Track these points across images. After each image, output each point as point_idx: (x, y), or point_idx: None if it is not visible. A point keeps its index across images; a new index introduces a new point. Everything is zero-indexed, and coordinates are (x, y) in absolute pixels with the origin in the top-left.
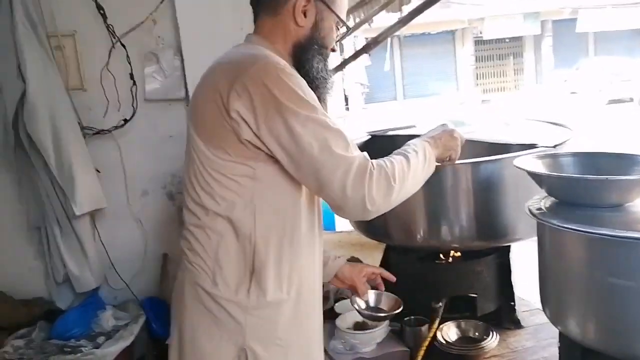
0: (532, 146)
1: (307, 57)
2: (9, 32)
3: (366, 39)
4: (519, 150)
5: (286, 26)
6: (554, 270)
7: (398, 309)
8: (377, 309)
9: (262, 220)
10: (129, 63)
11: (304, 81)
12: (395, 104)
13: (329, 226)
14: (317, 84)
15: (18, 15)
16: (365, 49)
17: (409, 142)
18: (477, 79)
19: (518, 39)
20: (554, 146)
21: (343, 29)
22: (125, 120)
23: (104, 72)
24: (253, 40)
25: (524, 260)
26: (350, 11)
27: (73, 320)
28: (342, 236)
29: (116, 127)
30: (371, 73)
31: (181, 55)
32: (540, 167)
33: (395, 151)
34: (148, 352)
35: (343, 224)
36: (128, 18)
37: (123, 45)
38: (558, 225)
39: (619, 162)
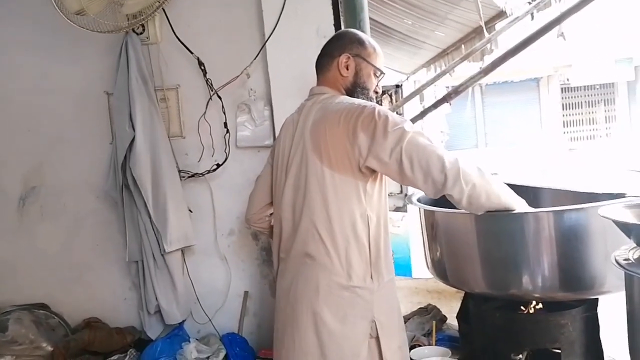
0: (620, 195)
1: (354, 97)
2: (125, 87)
3: (447, 87)
4: (606, 199)
5: (337, 78)
6: None
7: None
8: None
9: (373, 225)
10: (224, 113)
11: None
12: (476, 151)
13: (406, 272)
14: None
15: (132, 72)
16: (446, 99)
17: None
18: (564, 126)
19: (609, 85)
20: None
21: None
22: (218, 165)
23: (201, 121)
24: (330, 92)
25: (617, 316)
26: (431, 61)
27: (160, 350)
28: (419, 283)
29: (209, 171)
30: (452, 121)
31: (271, 106)
32: (628, 217)
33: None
34: None
35: (420, 272)
36: (225, 72)
37: (219, 97)
38: None
39: None
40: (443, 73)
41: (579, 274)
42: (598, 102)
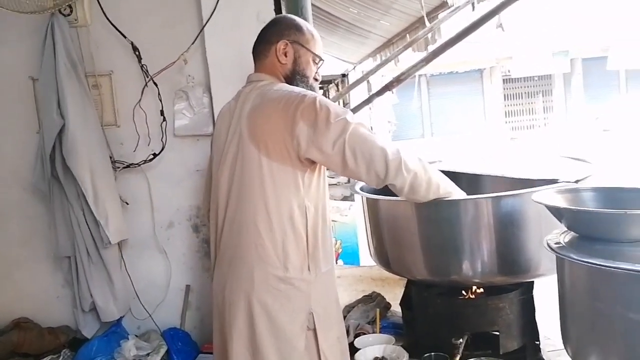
0: (553, 181)
1: (293, 84)
2: (52, 72)
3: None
4: (540, 185)
5: (275, 65)
6: (573, 306)
7: None
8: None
9: (310, 216)
10: (160, 100)
11: None
12: (422, 141)
13: (354, 260)
14: None
15: (60, 56)
16: (388, 87)
17: None
18: (506, 116)
19: (547, 77)
20: (576, 181)
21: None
22: (155, 155)
23: (136, 109)
24: (268, 78)
25: (551, 298)
26: (377, 51)
27: (97, 349)
28: (363, 271)
29: (145, 161)
30: (399, 111)
31: (210, 93)
32: (560, 202)
33: None
34: None
35: (368, 259)
36: (161, 58)
37: (155, 84)
38: (576, 259)
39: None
40: (386, 61)
41: (516, 258)
42: (537, 93)
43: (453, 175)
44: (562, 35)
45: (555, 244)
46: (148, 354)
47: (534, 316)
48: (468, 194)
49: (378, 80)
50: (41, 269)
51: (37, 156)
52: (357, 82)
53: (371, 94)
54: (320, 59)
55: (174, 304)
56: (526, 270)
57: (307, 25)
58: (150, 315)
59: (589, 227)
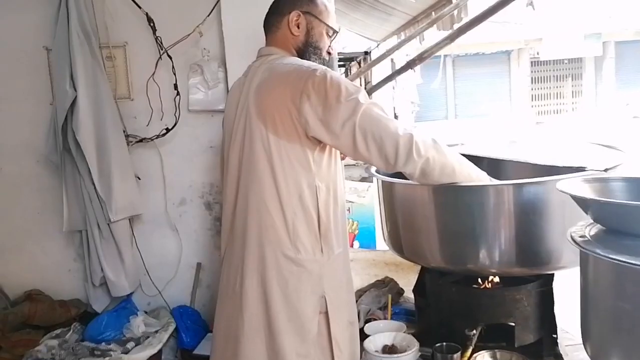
0: (580, 169)
1: (306, 58)
2: (65, 42)
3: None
4: (566, 173)
5: (287, 37)
6: (596, 304)
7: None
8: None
9: (322, 196)
10: (174, 74)
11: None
12: (446, 123)
13: (371, 242)
14: None
15: (73, 26)
16: (411, 65)
17: None
18: (533, 100)
19: (578, 60)
20: (605, 170)
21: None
22: (168, 130)
23: (150, 83)
24: (278, 52)
25: (572, 291)
26: (402, 28)
27: (106, 324)
28: (377, 255)
29: (158, 136)
30: (423, 92)
31: (225, 67)
32: (587, 192)
33: None
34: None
35: (382, 243)
36: (176, 30)
37: (169, 57)
38: (602, 256)
39: None
40: (410, 38)
41: (536, 249)
42: (566, 77)
43: (474, 159)
44: (595, 17)
45: (580, 237)
46: (156, 331)
47: (553, 309)
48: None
49: (402, 59)
50: (53, 242)
51: (49, 128)
52: (380, 59)
53: (393, 71)
54: (335, 32)
55: (185, 281)
56: (547, 262)
57: None
58: (160, 292)
59: (618, 221)
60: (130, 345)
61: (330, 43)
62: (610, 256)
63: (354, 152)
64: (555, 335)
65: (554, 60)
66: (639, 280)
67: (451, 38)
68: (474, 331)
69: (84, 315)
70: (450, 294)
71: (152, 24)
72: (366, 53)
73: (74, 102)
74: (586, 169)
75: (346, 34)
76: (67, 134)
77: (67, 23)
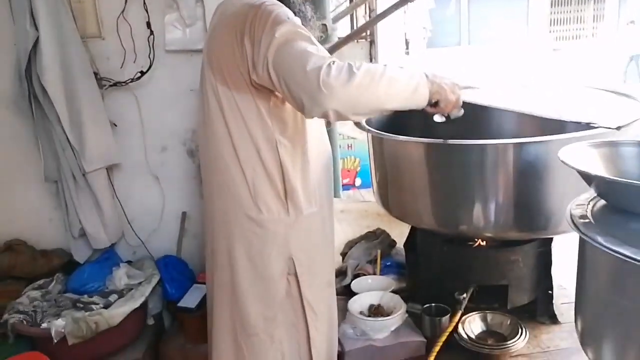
0: (589, 126)
1: None
2: None
3: None
4: (573, 130)
5: None
6: (591, 292)
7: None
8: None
9: (285, 152)
10: (146, 10)
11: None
12: (458, 49)
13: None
14: (296, 16)
15: None
16: None
17: None
18: (551, 24)
19: None
20: (617, 128)
21: None
22: (142, 73)
23: (120, 20)
24: None
25: (573, 246)
26: None
27: (88, 275)
28: (369, 205)
29: (132, 80)
30: (435, 17)
31: (203, 3)
32: (594, 159)
33: None
34: (164, 310)
35: (369, 196)
36: None
37: None
38: (602, 246)
39: None
40: None
41: (534, 213)
42: (588, 0)
43: (479, 108)
44: None
45: (580, 217)
46: (140, 283)
47: (550, 270)
48: (490, 132)
49: None
50: (32, 191)
51: (15, 72)
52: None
53: None
54: None
55: (170, 231)
56: (544, 227)
57: None
58: (142, 243)
59: (624, 200)
60: (112, 297)
61: None
62: (612, 248)
63: (279, 94)
64: (550, 292)
65: None
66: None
67: None
68: (465, 295)
69: (68, 265)
70: (442, 253)
71: None
72: None
73: (36, 43)
74: (596, 126)
75: None
76: (32, 78)
77: None
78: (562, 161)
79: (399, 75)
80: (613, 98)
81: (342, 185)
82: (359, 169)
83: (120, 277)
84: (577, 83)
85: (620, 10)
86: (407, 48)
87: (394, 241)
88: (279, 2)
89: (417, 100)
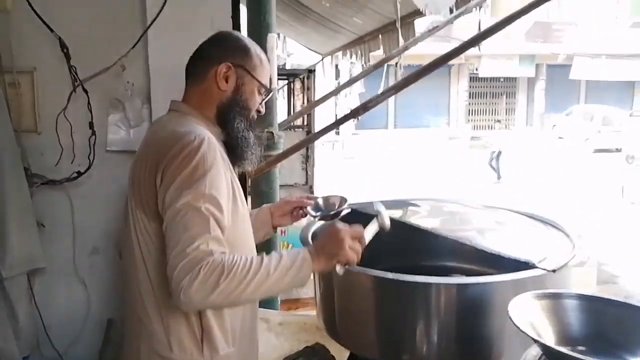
0: (527, 264)
1: (229, 117)
2: None
3: (362, 65)
4: (513, 267)
5: (211, 91)
6: None
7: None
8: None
9: None
10: (90, 111)
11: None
12: (385, 132)
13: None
14: (238, 143)
15: None
16: (354, 114)
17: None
18: (469, 114)
19: (512, 80)
20: (553, 271)
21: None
22: (79, 173)
23: (61, 118)
24: (182, 109)
25: None
26: (348, 46)
27: None
28: (309, 319)
29: (68, 179)
30: (365, 99)
31: (150, 105)
32: (537, 312)
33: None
34: None
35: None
36: (94, 61)
37: (85, 91)
38: None
39: (631, 314)
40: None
41: (476, 349)
42: (501, 94)
43: (420, 233)
44: (529, 40)
45: None
46: None
47: None
48: (433, 258)
49: (346, 67)
50: None
51: None
52: (323, 100)
53: (342, 82)
54: (268, 90)
55: (93, 339)
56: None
57: (256, 47)
58: (59, 355)
59: None
60: None
61: (262, 102)
62: None
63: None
64: None
65: (490, 78)
66: None
67: (396, 88)
68: None
69: None
70: None
71: (65, 51)
72: (310, 71)
73: None
74: (534, 266)
75: (292, 44)
76: None
77: None
78: (511, 319)
79: (274, 270)
80: (544, 230)
81: None
82: None
83: None
84: (511, 209)
85: (528, 106)
86: (337, 129)
87: (333, 357)
88: (209, 139)
89: (299, 281)
